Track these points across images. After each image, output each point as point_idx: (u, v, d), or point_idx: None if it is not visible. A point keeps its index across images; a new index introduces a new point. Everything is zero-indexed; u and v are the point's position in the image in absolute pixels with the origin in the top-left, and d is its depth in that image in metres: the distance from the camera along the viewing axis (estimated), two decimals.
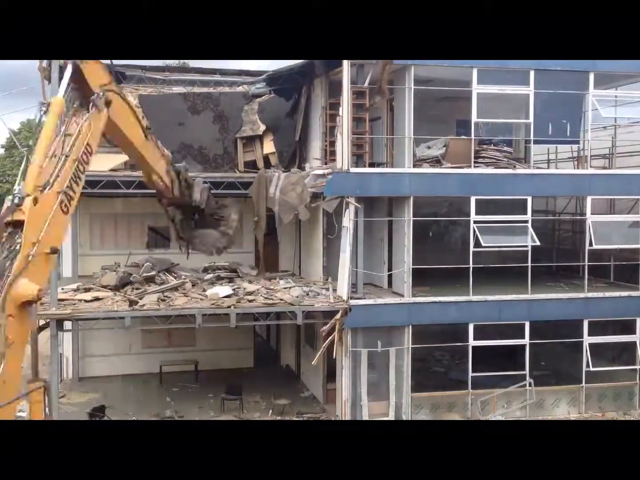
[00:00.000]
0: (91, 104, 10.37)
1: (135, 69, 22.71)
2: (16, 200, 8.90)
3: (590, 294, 19.49)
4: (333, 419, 18.63)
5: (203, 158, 22.12)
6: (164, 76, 23.21)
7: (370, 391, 18.58)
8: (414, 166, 18.66)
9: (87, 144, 10.13)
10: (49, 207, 9.24)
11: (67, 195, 9.52)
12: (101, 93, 10.54)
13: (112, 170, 20.47)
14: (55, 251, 9.16)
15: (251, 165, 22.35)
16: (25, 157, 9.82)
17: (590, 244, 19.35)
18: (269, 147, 22.52)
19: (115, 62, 21.66)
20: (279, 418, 18.69)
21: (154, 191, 19.84)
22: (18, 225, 8.81)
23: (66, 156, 9.62)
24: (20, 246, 8.64)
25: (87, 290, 18.67)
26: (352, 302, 18.02)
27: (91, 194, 20.53)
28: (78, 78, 10.56)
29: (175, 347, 22.85)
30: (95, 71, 10.88)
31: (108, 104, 10.82)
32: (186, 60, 34.70)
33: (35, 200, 8.95)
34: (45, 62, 19.96)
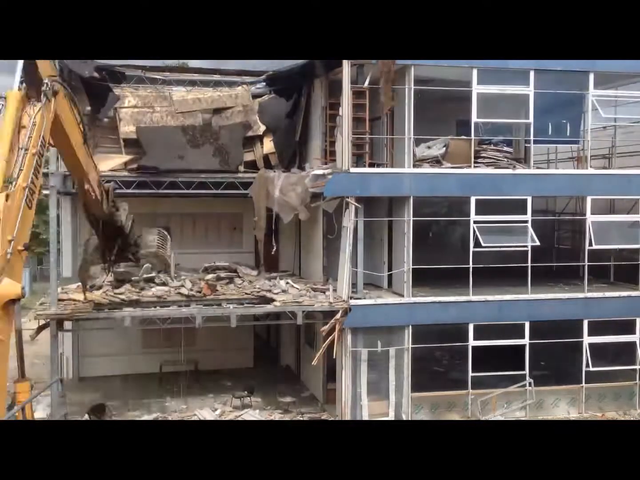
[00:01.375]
0: (42, 94, 10.68)
1: (135, 69, 22.66)
2: None
3: (590, 294, 19.49)
4: (333, 419, 18.62)
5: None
6: (164, 76, 23.16)
7: (370, 391, 18.58)
8: (414, 166, 18.65)
9: (42, 137, 10.30)
10: (18, 202, 9.34)
11: (30, 190, 9.65)
12: (49, 82, 10.92)
13: (112, 170, 20.47)
14: (27, 247, 9.29)
15: (251, 165, 22.33)
16: None
17: (590, 244, 19.34)
18: (269, 147, 22.51)
19: (115, 62, 21.80)
20: (283, 416, 18.69)
21: (159, 190, 20.02)
22: None
23: (26, 149, 9.77)
24: None
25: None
26: (352, 302, 18.03)
27: None
28: (31, 67, 10.91)
29: (175, 347, 22.83)
30: (45, 63, 11.27)
31: (55, 93, 11.15)
32: (186, 60, 34.65)
33: (7, 197, 9.05)
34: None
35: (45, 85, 10.74)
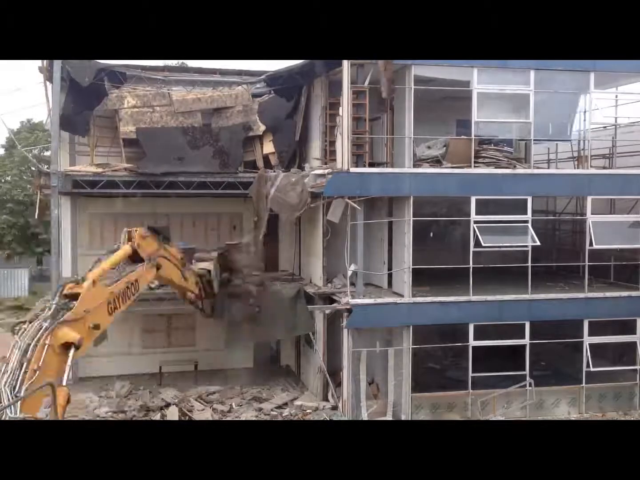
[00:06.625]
0: (146, 262, 13.30)
1: (135, 69, 22.67)
2: (78, 278, 11.22)
3: (590, 294, 19.49)
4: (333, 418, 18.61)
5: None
6: (164, 76, 23.17)
7: (370, 391, 18.56)
8: (414, 166, 18.65)
9: (137, 279, 12.70)
10: (101, 296, 11.33)
11: (115, 301, 11.79)
12: (153, 260, 13.56)
13: (112, 170, 20.49)
14: (97, 327, 11.16)
15: (251, 165, 22.34)
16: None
17: (590, 244, 19.33)
18: (269, 147, 22.52)
19: (115, 62, 21.81)
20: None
21: (159, 189, 20.35)
22: (73, 298, 10.72)
23: (125, 280, 12.25)
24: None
25: None
26: (352, 302, 18.02)
27: (91, 193, 20.56)
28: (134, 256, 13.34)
29: (175, 347, 22.83)
30: (149, 244, 13.70)
31: (158, 267, 13.75)
32: (186, 60, 34.68)
33: (94, 283, 11.09)
34: (45, 62, 20.05)
35: (148, 260, 13.33)
